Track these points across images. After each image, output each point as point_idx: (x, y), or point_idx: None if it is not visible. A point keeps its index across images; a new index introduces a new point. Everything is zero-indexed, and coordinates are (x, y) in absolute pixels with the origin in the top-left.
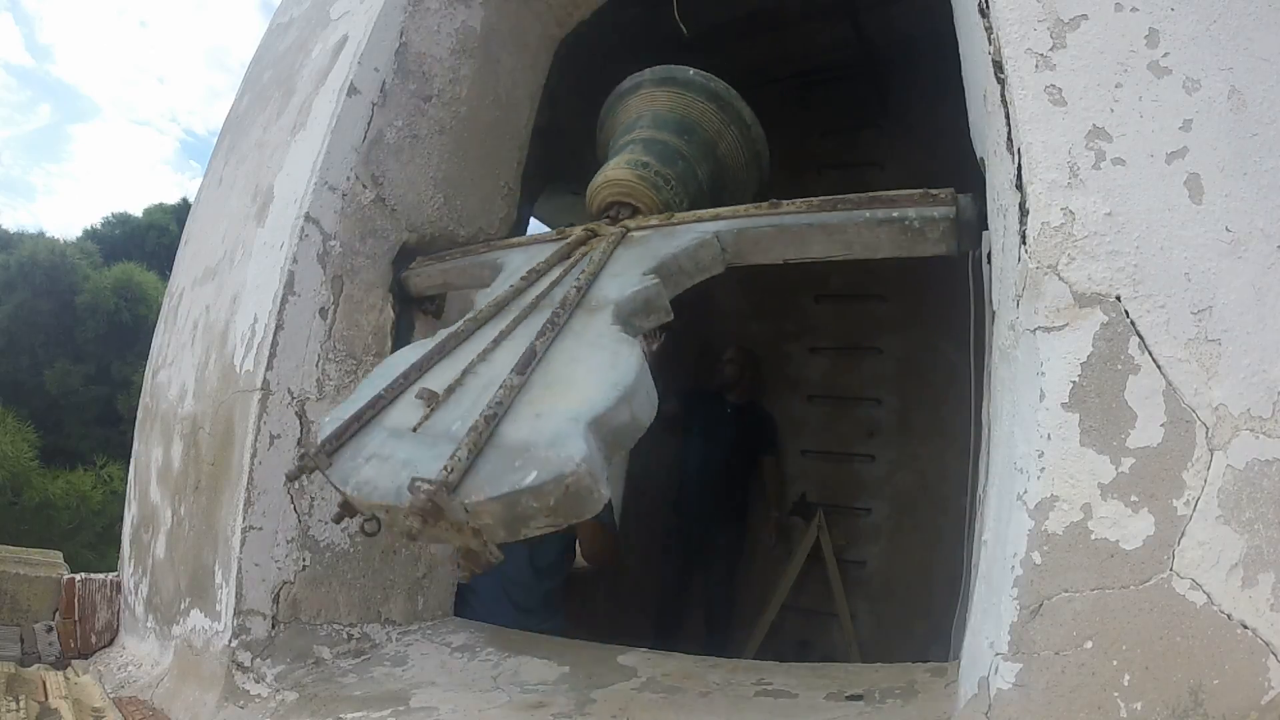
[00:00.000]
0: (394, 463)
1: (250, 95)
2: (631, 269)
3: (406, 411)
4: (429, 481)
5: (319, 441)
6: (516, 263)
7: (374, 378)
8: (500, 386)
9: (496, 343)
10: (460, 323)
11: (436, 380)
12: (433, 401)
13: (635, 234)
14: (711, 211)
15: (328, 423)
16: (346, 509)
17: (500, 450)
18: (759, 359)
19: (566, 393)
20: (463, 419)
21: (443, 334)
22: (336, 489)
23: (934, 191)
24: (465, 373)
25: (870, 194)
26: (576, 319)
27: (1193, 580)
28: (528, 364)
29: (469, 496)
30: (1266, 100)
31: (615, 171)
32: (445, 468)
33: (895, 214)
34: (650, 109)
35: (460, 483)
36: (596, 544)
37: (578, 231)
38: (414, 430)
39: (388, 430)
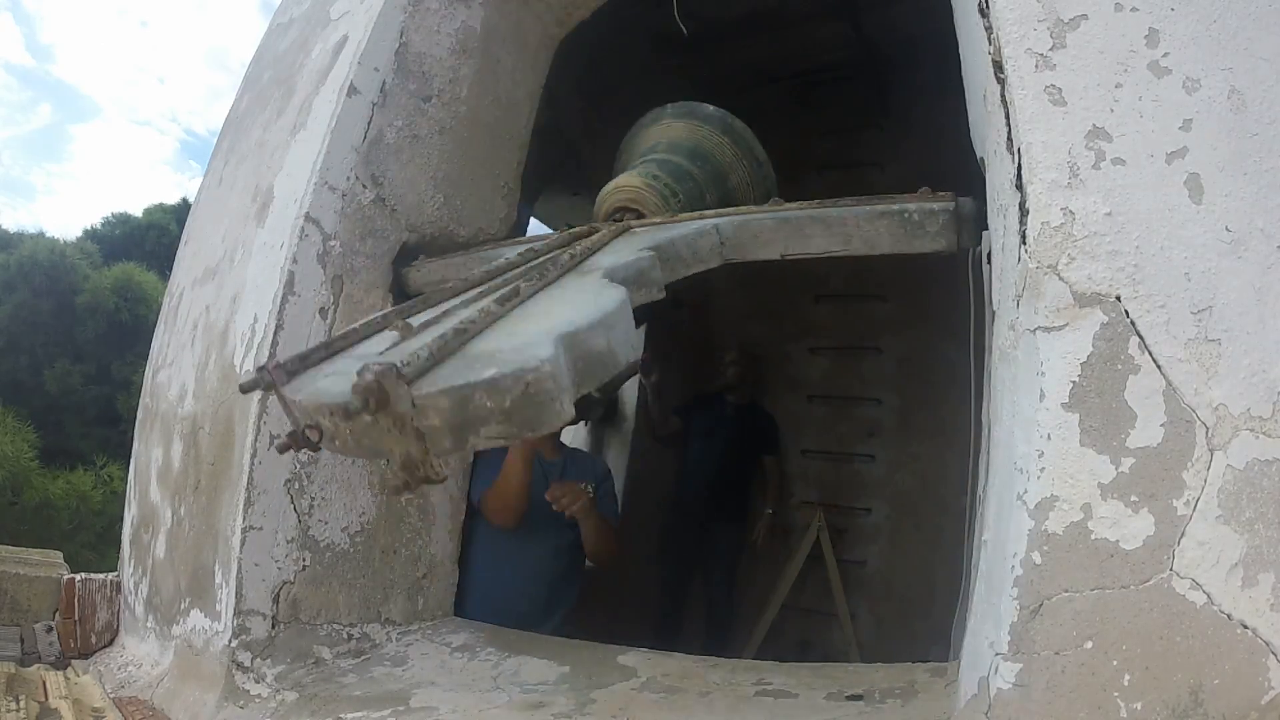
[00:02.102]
0: (350, 375)
1: (250, 95)
2: (629, 247)
3: (378, 343)
4: (379, 364)
5: (285, 360)
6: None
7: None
8: (478, 311)
9: (482, 295)
10: (450, 284)
11: (416, 320)
12: (406, 332)
13: (637, 229)
14: (713, 211)
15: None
16: (293, 438)
17: (465, 358)
18: (759, 359)
19: (543, 320)
20: (424, 340)
21: (430, 292)
22: (285, 404)
23: (933, 191)
24: (445, 314)
25: (870, 195)
26: (568, 279)
27: (1193, 580)
28: (509, 299)
29: (420, 389)
30: (1266, 100)
31: (625, 179)
32: (402, 361)
33: (895, 207)
34: (667, 137)
35: (416, 379)
36: (601, 539)
37: (580, 229)
38: (380, 355)
39: (355, 356)
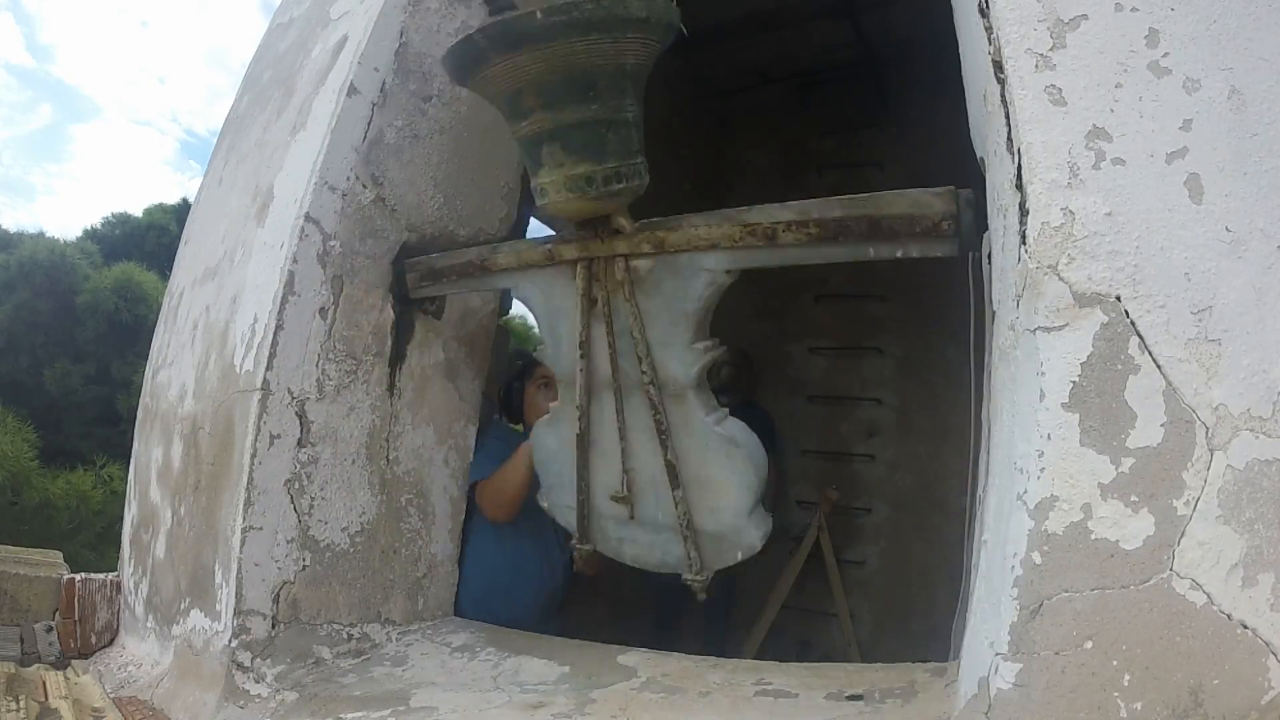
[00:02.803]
0: (642, 544)
1: (250, 95)
2: (674, 335)
3: (611, 507)
4: (693, 577)
5: (576, 534)
6: (537, 298)
7: (546, 464)
8: (675, 502)
9: (624, 438)
10: (571, 409)
11: (608, 477)
12: (627, 501)
13: (637, 264)
14: (704, 238)
15: (558, 511)
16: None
17: (707, 538)
18: (753, 360)
19: (719, 493)
20: (659, 512)
21: (561, 418)
22: (614, 558)
23: (934, 191)
24: (626, 472)
25: (871, 195)
26: (673, 413)
27: (1193, 580)
28: (675, 478)
29: (710, 568)
30: (1266, 100)
31: (562, 203)
32: (690, 562)
33: (899, 252)
34: (528, 81)
35: (702, 564)
36: (590, 555)
37: (574, 261)
38: (630, 519)
39: (611, 519)
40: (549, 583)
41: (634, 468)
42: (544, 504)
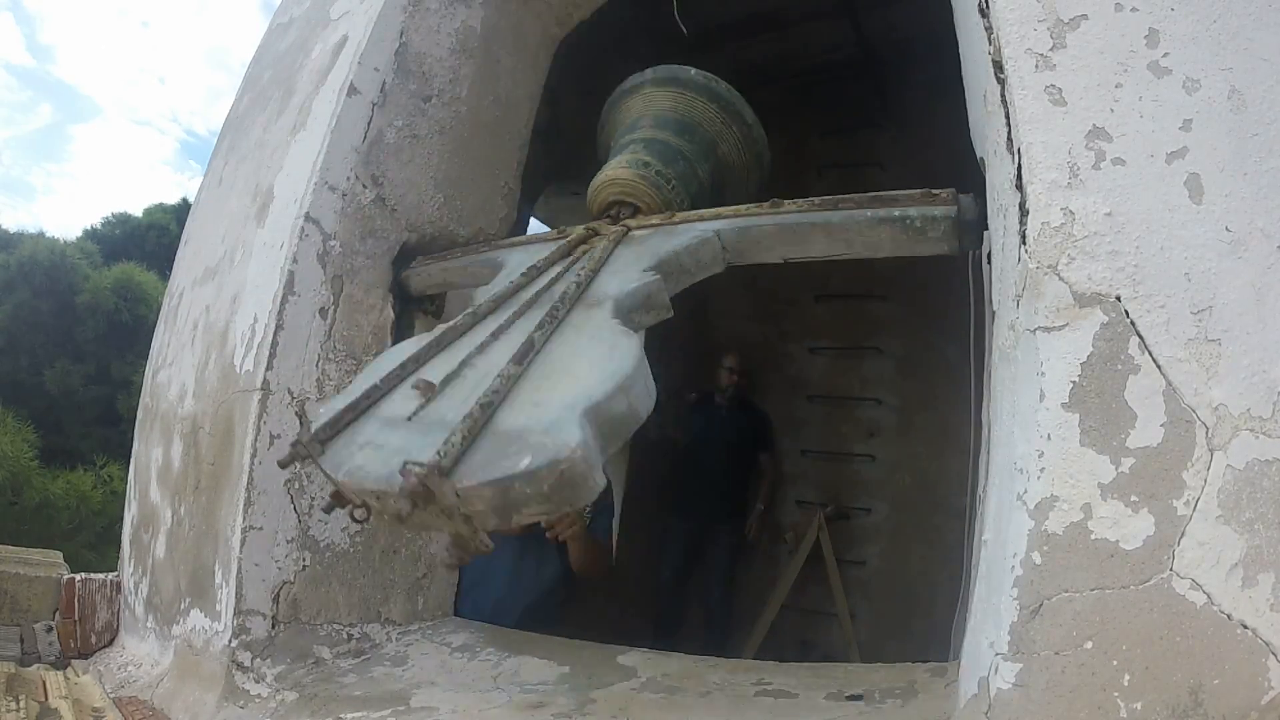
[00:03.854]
0: (387, 450)
1: (250, 95)
2: (632, 266)
3: (402, 402)
4: (420, 464)
5: (312, 430)
6: (517, 261)
7: (370, 370)
8: (497, 376)
9: (495, 336)
10: (459, 317)
11: (433, 372)
12: (428, 391)
13: (636, 233)
14: (713, 211)
15: (323, 413)
16: (337, 498)
17: (495, 436)
18: (748, 359)
19: (563, 382)
20: (458, 408)
21: (440, 328)
22: (328, 476)
23: (935, 191)
24: (462, 365)
25: (871, 194)
26: (576, 313)
27: (1193, 580)
28: (525, 355)
29: (461, 481)
30: (1266, 100)
31: (616, 171)
32: (439, 452)
33: (896, 213)
34: (651, 109)
35: (453, 468)
36: (588, 561)
37: (578, 230)
38: (408, 420)
39: (382, 420)
40: (539, 580)
41: (475, 365)
42: (319, 409)
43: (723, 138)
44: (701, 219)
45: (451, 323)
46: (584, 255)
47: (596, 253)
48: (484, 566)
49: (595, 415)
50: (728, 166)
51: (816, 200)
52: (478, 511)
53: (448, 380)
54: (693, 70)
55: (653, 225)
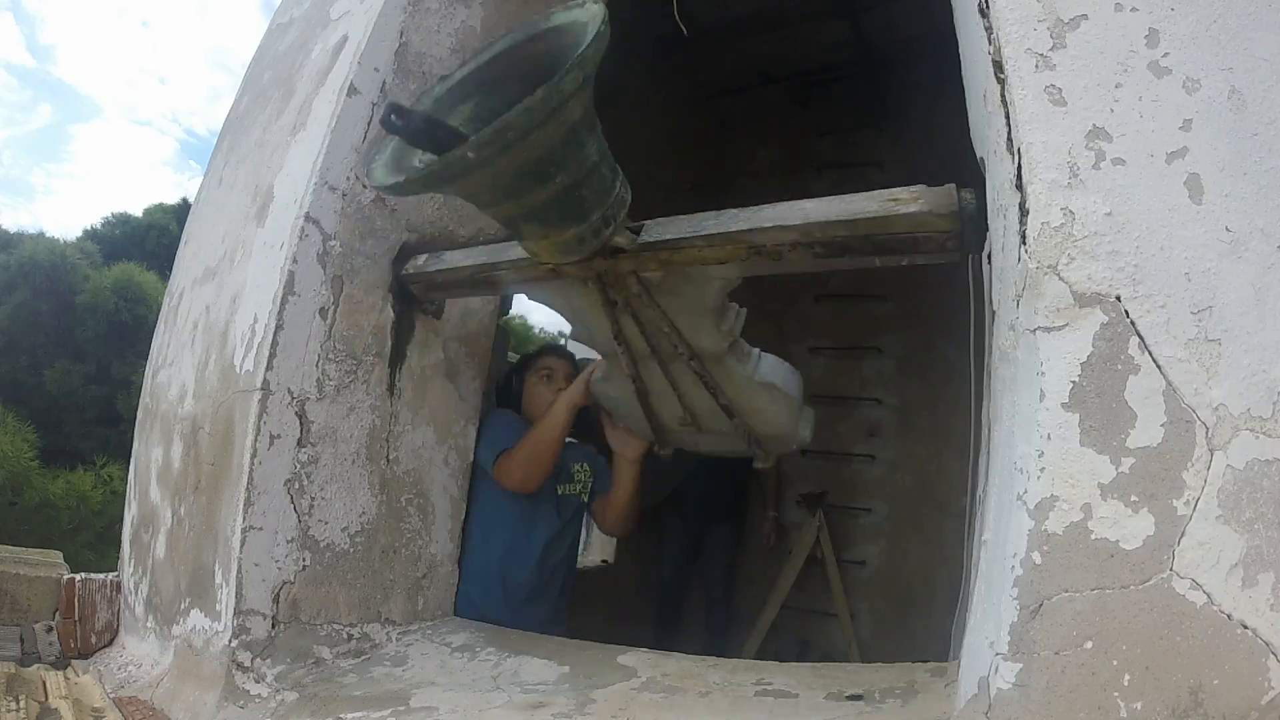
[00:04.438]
0: (714, 441)
1: (250, 95)
2: (699, 324)
3: (681, 426)
4: (765, 462)
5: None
6: (558, 302)
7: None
8: (734, 426)
9: (675, 388)
10: (610, 369)
11: (669, 413)
12: (690, 425)
13: (649, 277)
14: (714, 258)
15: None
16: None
17: (766, 439)
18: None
19: (770, 417)
20: (722, 426)
21: (614, 380)
22: (688, 449)
23: (938, 211)
24: (684, 410)
25: (870, 237)
26: (714, 371)
27: (1193, 580)
28: (730, 411)
29: (773, 459)
30: (1266, 100)
31: (558, 260)
32: (757, 455)
33: (904, 262)
34: (485, 188)
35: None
36: (635, 499)
37: (578, 272)
38: (700, 431)
39: (682, 432)
40: (557, 546)
41: (691, 405)
42: (621, 425)
43: (569, 118)
44: (703, 261)
45: (609, 379)
46: (628, 307)
47: (647, 313)
48: (490, 518)
49: (803, 421)
50: (589, 110)
51: (819, 248)
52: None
53: (692, 418)
54: (469, 154)
55: (653, 272)
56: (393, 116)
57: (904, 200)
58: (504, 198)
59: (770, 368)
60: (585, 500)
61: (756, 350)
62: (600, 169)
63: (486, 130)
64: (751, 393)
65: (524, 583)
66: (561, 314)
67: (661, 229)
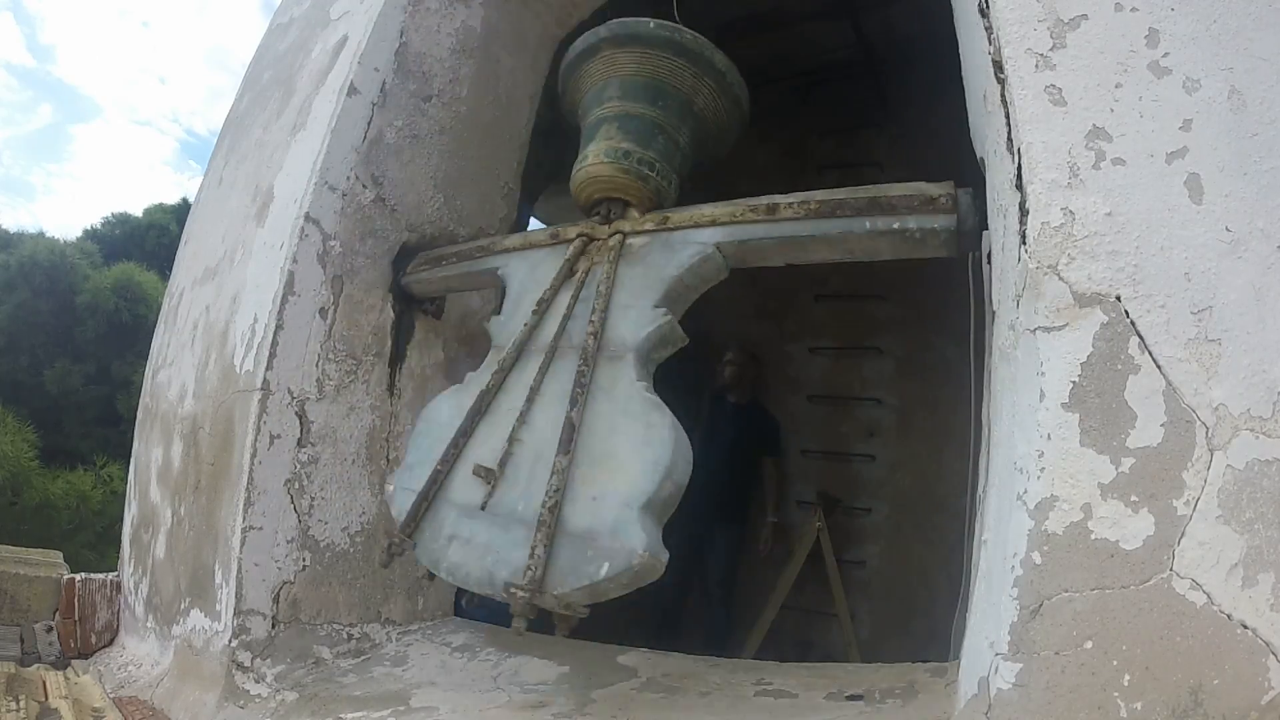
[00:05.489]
0: (476, 546)
1: (250, 95)
2: (640, 298)
3: (467, 487)
4: (520, 587)
5: (399, 525)
6: (520, 275)
7: (420, 438)
8: (552, 472)
9: (530, 401)
10: (488, 375)
11: (485, 449)
12: (490, 478)
13: (632, 240)
14: (708, 215)
15: (396, 496)
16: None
17: (569, 538)
18: (760, 359)
19: (614, 474)
20: (523, 499)
21: (473, 389)
22: (428, 568)
23: (933, 193)
24: (511, 441)
25: (869, 196)
26: (601, 371)
27: (1193, 580)
28: (569, 440)
29: (555, 589)
30: (1266, 100)
31: (597, 166)
32: (529, 566)
33: (895, 225)
34: (617, 74)
35: (544, 577)
36: None
37: (574, 239)
38: (482, 509)
39: (456, 507)
40: None
41: (522, 439)
42: (388, 487)
43: (697, 92)
44: (696, 224)
45: (483, 383)
46: (587, 277)
47: (599, 274)
48: None
49: (650, 508)
50: (707, 120)
51: (814, 203)
52: (573, 603)
53: (504, 462)
54: (652, 23)
55: (647, 231)
56: None
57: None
58: (620, 95)
59: (660, 404)
60: None
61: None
62: (677, 148)
63: (666, 23)
64: (624, 415)
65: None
66: (510, 288)
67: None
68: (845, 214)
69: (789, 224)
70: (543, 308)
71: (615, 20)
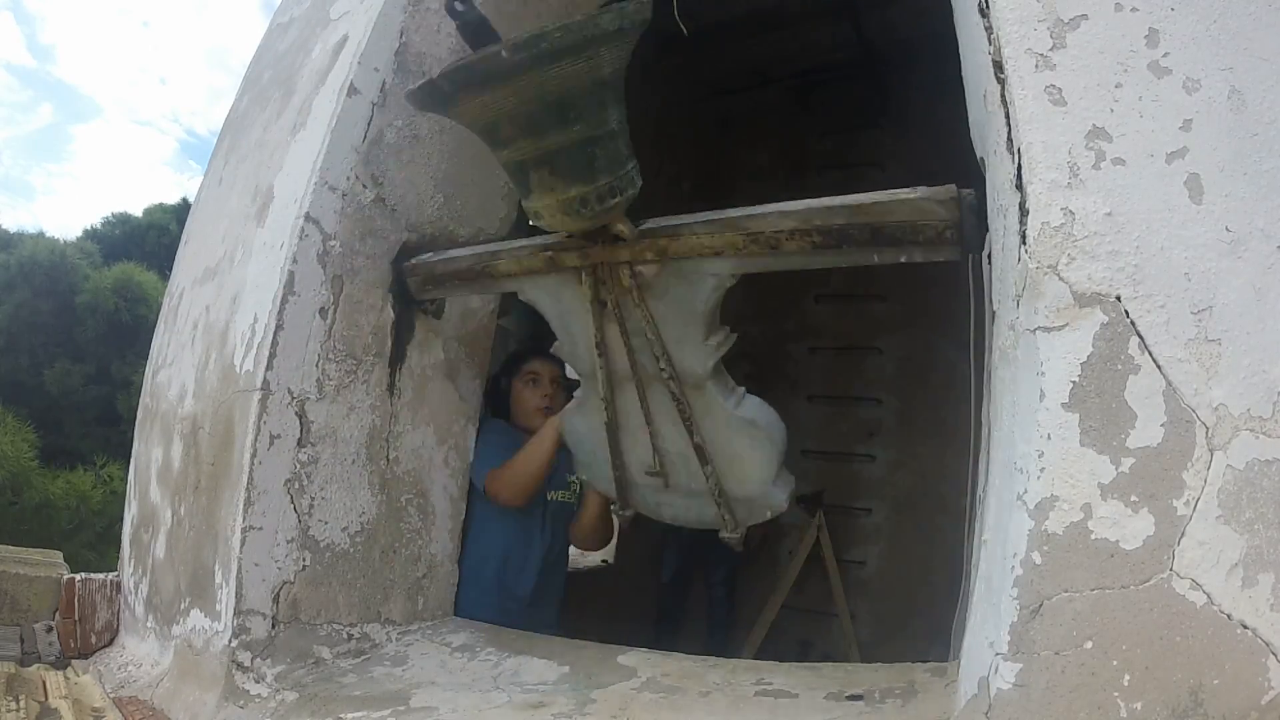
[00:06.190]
0: (679, 506)
1: (250, 95)
2: (687, 331)
3: (643, 478)
4: (732, 534)
5: (616, 501)
6: (545, 302)
7: (582, 442)
8: (706, 476)
9: (649, 421)
10: (596, 399)
11: (634, 456)
12: (660, 474)
13: (644, 271)
14: (709, 246)
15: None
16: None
17: (738, 501)
18: (754, 360)
19: (745, 467)
20: (692, 482)
21: (587, 407)
22: (654, 519)
23: (937, 221)
24: (657, 450)
25: (871, 225)
26: (694, 401)
27: (1193, 580)
28: (704, 455)
29: (744, 527)
30: (1266, 100)
31: (559, 221)
32: (724, 517)
33: (902, 258)
34: (504, 115)
35: (735, 521)
36: (599, 527)
37: (578, 265)
38: (666, 488)
39: (646, 488)
40: (552, 550)
41: (663, 447)
42: (583, 476)
43: (598, 69)
44: (699, 254)
45: (599, 408)
46: (621, 311)
47: (634, 313)
48: (487, 531)
49: (776, 481)
50: (619, 72)
51: (815, 239)
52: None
53: (661, 463)
54: (504, 51)
55: (649, 262)
56: (457, 4)
57: (904, 192)
58: (522, 133)
59: (754, 406)
60: (575, 506)
61: (742, 388)
62: (617, 140)
63: (523, 35)
64: (730, 432)
65: (524, 595)
66: (548, 316)
67: (660, 221)
68: (849, 247)
69: (793, 258)
70: (600, 347)
71: (453, 65)
